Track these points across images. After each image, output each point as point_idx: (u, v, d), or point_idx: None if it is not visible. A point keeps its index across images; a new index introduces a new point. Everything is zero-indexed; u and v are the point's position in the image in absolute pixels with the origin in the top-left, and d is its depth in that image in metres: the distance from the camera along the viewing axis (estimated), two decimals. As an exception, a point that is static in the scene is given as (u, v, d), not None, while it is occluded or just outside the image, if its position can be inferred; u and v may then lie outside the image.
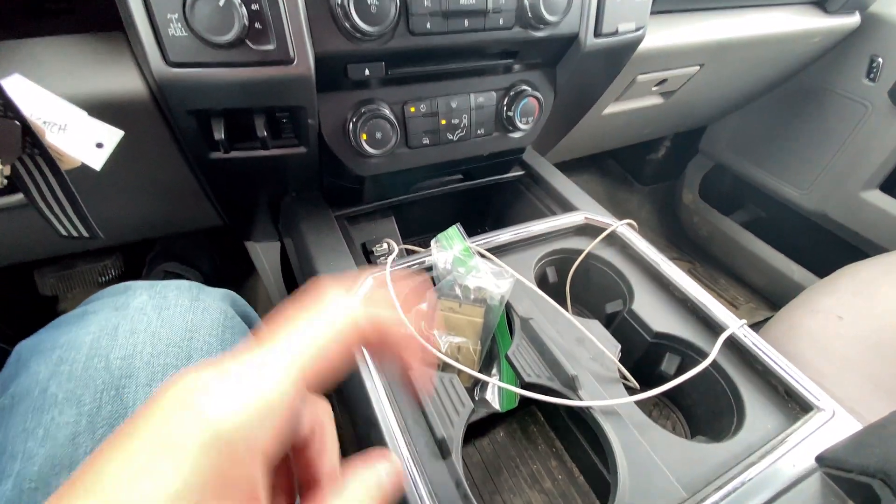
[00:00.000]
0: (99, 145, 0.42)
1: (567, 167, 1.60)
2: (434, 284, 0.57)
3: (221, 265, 1.10)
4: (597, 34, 0.60)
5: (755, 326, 1.35)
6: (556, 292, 0.66)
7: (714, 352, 0.49)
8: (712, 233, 1.52)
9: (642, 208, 1.64)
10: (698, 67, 0.90)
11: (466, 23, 0.51)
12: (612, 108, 0.91)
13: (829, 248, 1.32)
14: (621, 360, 0.55)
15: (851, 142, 1.19)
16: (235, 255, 1.11)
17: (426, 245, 0.86)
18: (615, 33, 0.61)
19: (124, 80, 0.47)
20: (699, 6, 0.84)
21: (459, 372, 0.50)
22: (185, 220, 0.76)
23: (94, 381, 0.34)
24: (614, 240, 0.66)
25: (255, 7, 0.42)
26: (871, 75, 1.14)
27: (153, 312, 0.39)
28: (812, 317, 0.71)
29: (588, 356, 0.51)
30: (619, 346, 0.52)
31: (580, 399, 0.45)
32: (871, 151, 1.16)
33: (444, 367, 0.51)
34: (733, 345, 0.53)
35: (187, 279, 1.00)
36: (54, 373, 0.34)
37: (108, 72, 0.47)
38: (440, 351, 0.53)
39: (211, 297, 0.44)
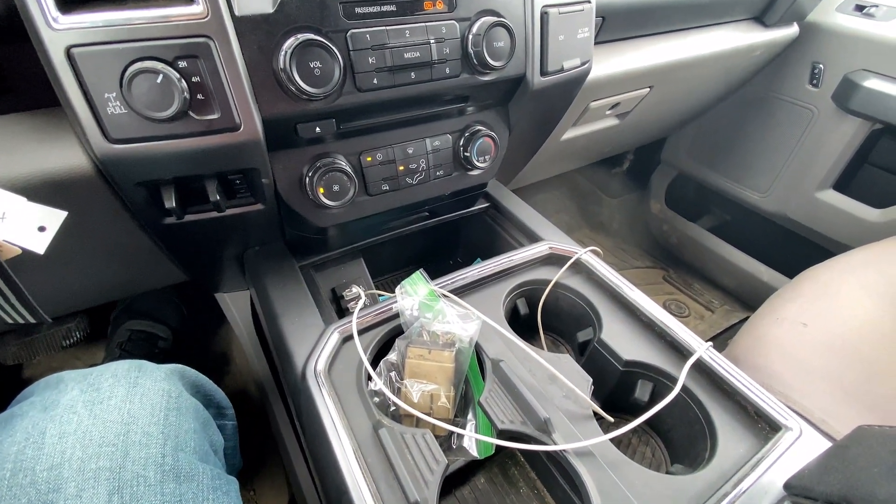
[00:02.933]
0: (41, 229, 0.41)
1: (538, 187, 1.63)
2: (403, 332, 0.56)
3: (191, 317, 1.07)
4: (543, 73, 0.61)
5: (731, 330, 1.37)
6: (528, 324, 0.66)
7: (680, 381, 0.49)
8: (682, 239, 1.55)
9: (613, 220, 1.68)
10: (648, 89, 0.93)
11: (413, 75, 0.52)
12: (570, 134, 0.93)
13: (793, 247, 1.37)
14: (596, 390, 0.55)
15: (802, 145, 1.25)
16: (205, 304, 1.09)
17: (399, 282, 0.86)
18: (561, 70, 0.63)
19: (67, 157, 0.46)
20: (643, 32, 0.87)
21: (434, 425, 0.49)
22: (147, 280, 0.74)
23: (20, 501, 0.32)
24: (580, 268, 0.67)
25: (195, 79, 0.41)
26: (814, 81, 1.20)
27: (84, 409, 0.38)
28: (778, 326, 0.73)
29: (561, 394, 0.51)
30: (591, 380, 0.52)
31: (554, 443, 0.45)
32: (822, 153, 1.21)
33: (418, 422, 0.50)
34: (701, 368, 0.53)
35: (156, 336, 0.98)
36: None
37: (50, 149, 0.46)
38: (413, 401, 0.52)
39: (152, 379, 0.42)
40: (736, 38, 1.01)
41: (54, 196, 0.46)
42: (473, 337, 0.53)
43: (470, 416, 0.54)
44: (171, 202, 0.48)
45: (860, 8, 1.13)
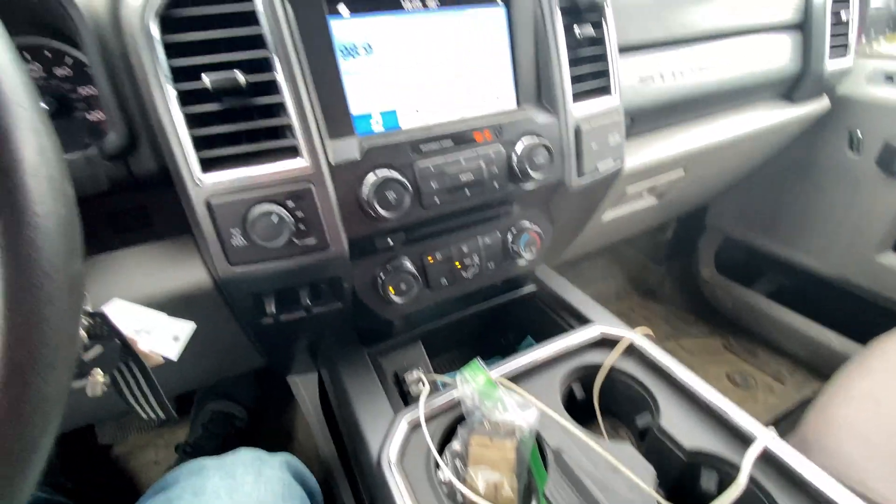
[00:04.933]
0: (175, 339, 0.51)
1: (581, 258, 1.66)
2: (464, 419, 0.60)
3: (263, 397, 1.16)
4: (580, 175, 0.69)
5: (805, 405, 1.28)
6: (585, 408, 0.68)
7: (744, 474, 0.50)
8: (738, 305, 1.51)
9: (663, 286, 1.66)
10: (683, 172, 0.99)
11: (467, 192, 0.61)
12: (610, 215, 0.99)
13: (861, 311, 1.30)
14: (660, 478, 0.55)
15: (854, 208, 1.23)
16: (276, 385, 1.18)
17: (454, 363, 0.91)
18: (596, 171, 0.71)
19: (193, 276, 0.57)
20: (672, 121, 0.95)
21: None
22: (235, 367, 0.84)
23: None
24: (633, 350, 0.69)
25: (299, 214, 0.52)
26: (854, 148, 1.21)
27: (226, 496, 0.44)
28: (848, 405, 0.70)
29: (625, 486, 0.52)
30: (655, 472, 0.53)
31: (621, 538, 0.46)
32: (875, 216, 1.19)
33: (484, 508, 0.53)
34: (768, 457, 0.53)
35: (234, 416, 1.06)
36: None
37: (179, 271, 0.57)
38: (478, 490, 0.55)
39: (272, 469, 0.49)
40: (766, 118, 1.06)
41: (182, 308, 0.57)
42: (533, 426, 0.56)
43: (534, 505, 0.56)
44: (271, 308, 0.57)
45: (890, 78, 1.16)
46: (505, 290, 0.85)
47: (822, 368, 1.36)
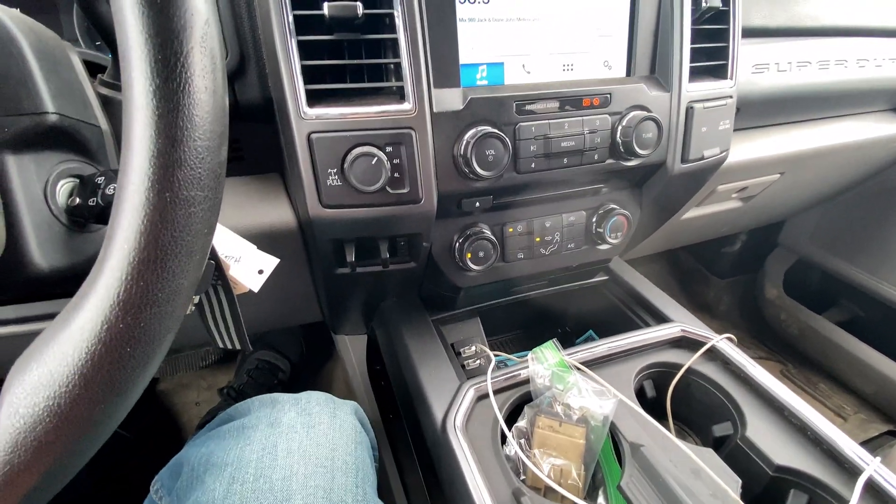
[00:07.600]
0: (260, 272, 0.50)
1: (636, 260, 1.59)
2: (531, 399, 0.57)
3: (308, 353, 1.17)
4: (684, 161, 0.64)
5: (869, 444, 1.19)
6: (655, 407, 0.64)
7: (854, 501, 0.45)
8: (804, 331, 1.41)
9: (720, 302, 1.57)
10: (779, 175, 0.91)
11: (566, 160, 0.57)
12: (691, 213, 0.93)
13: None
14: (740, 495, 0.51)
15: (959, 241, 1.11)
16: (320, 343, 1.18)
17: (507, 345, 0.88)
18: (701, 158, 0.65)
19: (279, 214, 0.56)
20: (778, 121, 0.88)
21: (563, 498, 0.49)
22: (292, 317, 0.84)
23: (261, 502, 0.38)
24: (715, 355, 0.64)
25: (395, 161, 0.50)
26: (969, 173, 1.09)
27: (303, 430, 0.43)
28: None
29: (707, 491, 0.48)
30: (740, 482, 0.49)
31: (706, 545, 0.42)
32: None
33: (546, 491, 0.50)
34: (871, 488, 0.48)
35: (278, 368, 1.07)
36: (228, 492, 0.38)
37: (266, 207, 0.57)
38: (543, 473, 0.52)
39: (344, 413, 0.48)
40: (874, 129, 0.97)
41: (264, 245, 0.56)
42: (609, 416, 0.53)
43: (601, 500, 0.52)
44: (351, 257, 0.56)
45: None
46: (574, 277, 0.81)
47: (892, 410, 1.25)
